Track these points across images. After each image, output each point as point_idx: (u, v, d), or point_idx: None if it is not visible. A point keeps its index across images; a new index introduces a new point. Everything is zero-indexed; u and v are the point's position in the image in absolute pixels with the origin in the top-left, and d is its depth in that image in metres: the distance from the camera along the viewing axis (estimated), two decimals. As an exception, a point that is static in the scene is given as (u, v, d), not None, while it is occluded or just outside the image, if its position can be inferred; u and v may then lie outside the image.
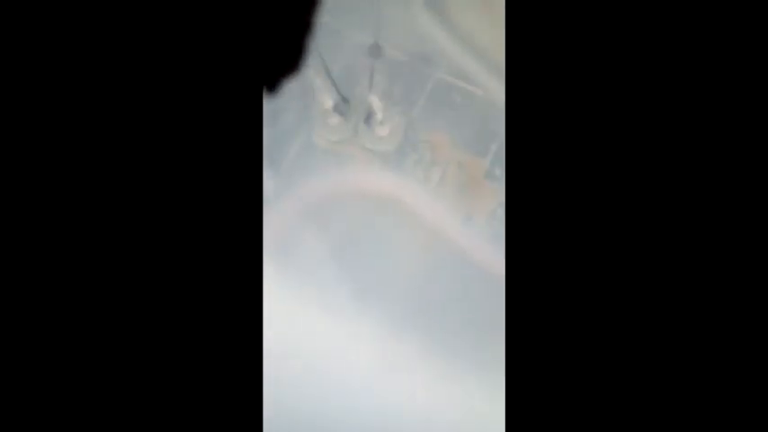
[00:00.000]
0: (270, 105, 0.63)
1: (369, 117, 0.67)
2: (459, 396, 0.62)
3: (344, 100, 0.66)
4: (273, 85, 0.42)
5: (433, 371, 0.62)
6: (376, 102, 0.66)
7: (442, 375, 0.62)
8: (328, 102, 0.66)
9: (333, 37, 0.67)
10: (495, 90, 0.68)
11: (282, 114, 0.65)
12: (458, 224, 0.66)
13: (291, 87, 0.62)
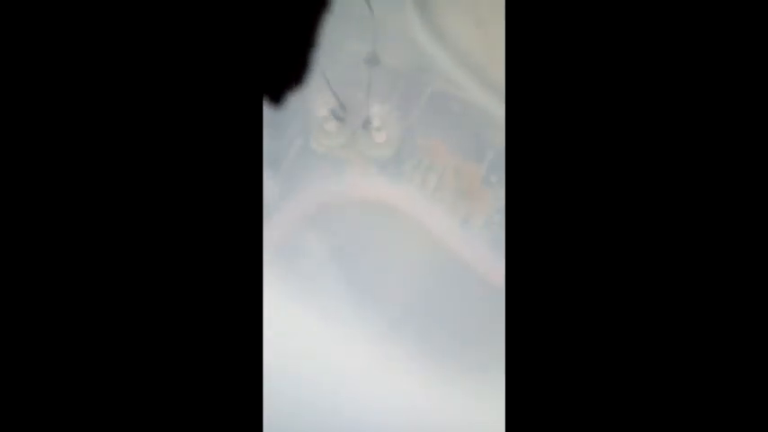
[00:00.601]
0: (269, 111, 0.63)
1: (366, 123, 0.67)
2: (456, 397, 0.62)
3: (342, 106, 0.67)
4: (277, 96, 0.43)
5: (430, 373, 0.62)
6: (373, 108, 0.67)
7: (439, 377, 0.62)
8: (326, 108, 0.66)
9: (331, 46, 0.67)
10: (490, 100, 0.69)
11: (281, 119, 0.65)
12: (454, 228, 0.66)
13: (290, 93, 0.62)
